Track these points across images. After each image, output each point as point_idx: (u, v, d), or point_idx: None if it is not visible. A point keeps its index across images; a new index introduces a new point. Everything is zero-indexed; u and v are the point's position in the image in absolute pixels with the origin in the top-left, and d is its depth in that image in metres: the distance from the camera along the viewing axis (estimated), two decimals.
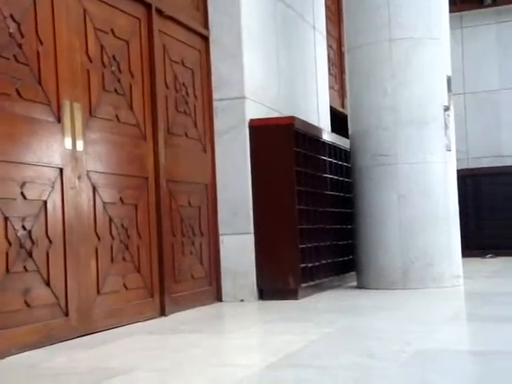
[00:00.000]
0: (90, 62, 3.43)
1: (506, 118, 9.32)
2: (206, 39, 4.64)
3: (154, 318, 3.81)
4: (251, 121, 4.59)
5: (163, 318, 3.83)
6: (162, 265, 3.91)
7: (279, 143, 4.57)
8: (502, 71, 9.36)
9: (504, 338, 2.73)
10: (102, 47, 3.53)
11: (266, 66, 4.98)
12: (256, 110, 4.69)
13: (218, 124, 4.62)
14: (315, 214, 4.95)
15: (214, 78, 4.63)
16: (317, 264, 4.87)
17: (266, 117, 4.74)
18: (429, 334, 2.91)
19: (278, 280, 4.51)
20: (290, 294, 4.47)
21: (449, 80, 5.09)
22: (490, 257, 8.31)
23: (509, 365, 2.19)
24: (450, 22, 5.36)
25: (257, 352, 2.84)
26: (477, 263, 7.46)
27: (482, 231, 8.91)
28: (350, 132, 5.34)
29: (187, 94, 4.39)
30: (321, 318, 3.62)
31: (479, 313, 3.65)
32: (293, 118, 4.67)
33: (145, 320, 3.69)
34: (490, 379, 2.06)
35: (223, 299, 4.55)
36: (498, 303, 3.94)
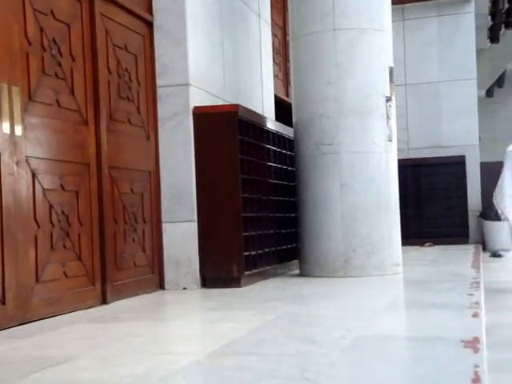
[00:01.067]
0: (29, 44, 3.34)
1: (445, 109, 9.52)
2: (149, 24, 4.57)
3: (96, 306, 3.76)
4: (195, 108, 4.56)
5: (104, 306, 3.78)
6: (104, 252, 3.86)
7: (223, 131, 4.56)
8: (442, 64, 9.56)
9: (441, 324, 2.80)
10: (41, 30, 3.44)
11: (211, 54, 4.95)
12: (200, 97, 4.66)
13: (161, 111, 4.57)
14: (259, 202, 4.97)
15: (157, 64, 4.58)
16: (260, 252, 4.89)
17: (211, 104, 4.71)
18: (369, 321, 2.96)
19: (221, 268, 4.50)
20: (233, 281, 4.48)
21: (391, 71, 5.17)
22: (429, 245, 8.51)
23: (445, 350, 2.24)
24: (393, 13, 5.43)
25: (199, 340, 2.83)
26: (416, 251, 7.63)
27: (422, 220, 9.11)
28: (293, 121, 5.37)
29: (130, 79, 4.33)
30: (264, 306, 3.64)
31: (417, 300, 3.73)
32: (237, 105, 4.66)
33: (86, 308, 3.64)
34: (427, 364, 2.11)
35: (166, 287, 4.53)
36: (436, 290, 4.04)
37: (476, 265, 5.69)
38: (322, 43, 5.07)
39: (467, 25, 9.59)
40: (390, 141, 5.13)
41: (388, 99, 5.09)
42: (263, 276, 4.94)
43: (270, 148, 5.33)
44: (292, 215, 5.53)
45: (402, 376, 1.94)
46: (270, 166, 5.34)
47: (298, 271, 5.35)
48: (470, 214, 9.31)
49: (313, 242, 5.10)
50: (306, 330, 2.81)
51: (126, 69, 4.28)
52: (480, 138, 9.92)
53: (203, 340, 2.82)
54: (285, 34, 7.57)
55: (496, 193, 6.29)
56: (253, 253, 4.72)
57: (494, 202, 6.57)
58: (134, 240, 4.26)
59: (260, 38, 6.12)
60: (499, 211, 7.05)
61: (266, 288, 4.54)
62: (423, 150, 9.43)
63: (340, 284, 4.57)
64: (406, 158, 9.13)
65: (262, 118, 5.28)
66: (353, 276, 4.88)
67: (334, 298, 3.89)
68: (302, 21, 5.20)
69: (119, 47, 4.22)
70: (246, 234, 4.60)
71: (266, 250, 5.05)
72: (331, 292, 4.20)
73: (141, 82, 4.46)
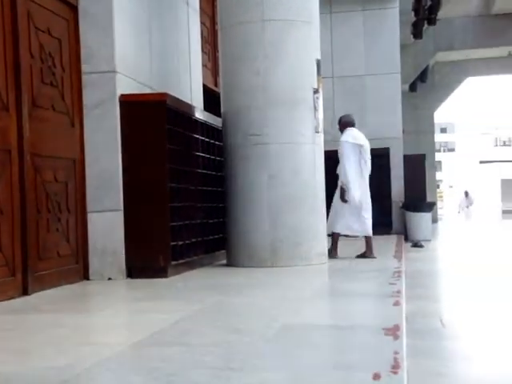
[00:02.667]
0: None
1: (370, 102, 9.71)
2: (74, 8, 4.45)
3: (16, 297, 3.65)
4: (122, 96, 4.48)
5: (26, 298, 3.68)
6: (26, 242, 3.75)
7: (151, 120, 4.50)
8: (367, 58, 9.74)
9: (363, 313, 2.86)
10: None
11: (138, 41, 4.87)
12: (127, 85, 4.58)
13: (87, 98, 4.47)
14: (187, 192, 4.93)
15: (83, 50, 4.46)
16: (187, 242, 4.86)
17: (138, 93, 4.64)
18: (295, 310, 2.99)
19: (147, 258, 4.46)
20: (159, 272, 4.44)
21: (318, 63, 5.22)
22: (354, 236, 8.65)
23: (367, 337, 2.30)
24: (320, 6, 5.47)
25: (123, 330, 2.80)
26: (341, 242, 7.75)
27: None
28: (222, 111, 5.36)
29: (54, 65, 4.21)
30: (190, 296, 3.63)
31: (342, 289, 3.80)
32: (165, 94, 4.60)
33: (6, 300, 3.53)
34: (349, 351, 2.15)
35: (90, 277, 4.44)
36: (360, 280, 4.13)
37: (398, 255, 5.84)
38: (250, 34, 5.07)
39: (392, 20, 9.80)
40: (317, 132, 5.19)
41: (315, 91, 5.15)
42: (190, 266, 4.92)
43: (198, 138, 5.30)
44: (220, 205, 5.52)
45: (325, 363, 1.98)
46: (198, 156, 5.31)
47: (225, 261, 5.36)
48: (393, 204, 9.55)
49: (240, 233, 5.11)
50: (232, 320, 2.82)
51: (50, 54, 4.16)
52: (404, 131, 10.18)
53: (128, 330, 2.78)
54: (214, 22, 7.52)
55: None
56: (180, 243, 4.70)
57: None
58: (57, 229, 4.16)
59: (188, 26, 6.06)
60: None
61: (193, 278, 4.53)
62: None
63: (267, 274, 4.60)
64: (333, 149, 9.24)
65: (190, 108, 5.24)
66: (280, 266, 4.92)
67: (261, 288, 3.91)
68: (230, 10, 5.18)
69: (42, 31, 4.09)
70: (173, 223, 4.56)
71: (194, 240, 5.03)
72: (258, 282, 4.23)
73: (65, 68, 4.34)
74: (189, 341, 2.33)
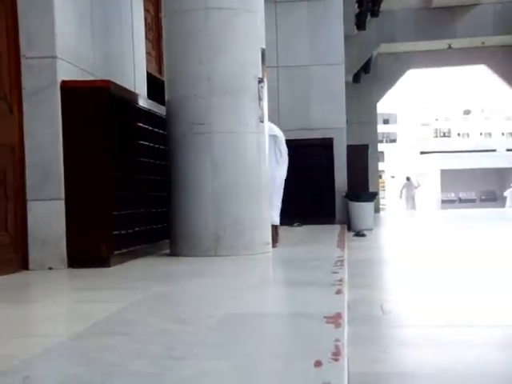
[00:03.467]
0: None
1: (315, 92, 9.78)
2: None
3: None
4: (63, 82, 4.38)
5: None
6: None
7: (93, 107, 4.42)
8: (312, 48, 9.80)
9: (306, 301, 2.89)
10: None
11: (79, 25, 4.77)
12: (68, 71, 4.48)
13: (26, 83, 4.35)
14: (130, 181, 4.88)
15: (22, 33, 4.34)
16: (130, 231, 4.82)
17: (80, 79, 4.55)
18: (238, 299, 3.00)
19: (89, 247, 4.39)
20: (101, 261, 4.38)
21: (263, 52, 5.22)
22: (297, 225, 8.75)
23: (309, 326, 2.32)
24: None
25: (64, 321, 2.75)
26: (285, 231, 7.81)
27: (290, 200, 9.31)
28: (166, 99, 5.30)
29: None
30: (133, 286, 3.59)
31: (285, 278, 3.83)
32: (108, 81, 4.53)
33: None
34: (292, 340, 2.17)
35: (30, 267, 4.35)
36: (303, 269, 4.16)
37: (341, 244, 5.92)
38: (194, 22, 5.03)
39: (336, 11, 9.88)
40: (262, 122, 5.20)
41: (260, 80, 5.15)
42: (133, 255, 4.87)
43: (141, 126, 5.24)
44: (164, 194, 5.48)
45: (267, 352, 1.99)
46: (142, 144, 5.25)
47: (168, 251, 5.33)
48: (336, 194, 9.67)
49: (184, 222, 5.09)
50: (175, 309, 2.80)
51: None
52: (347, 122, 10.29)
53: (68, 321, 2.74)
54: (158, 9, 7.43)
55: None
56: (122, 232, 4.64)
57: None
58: None
59: (132, 13, 5.97)
60: None
61: (136, 268, 4.49)
62: (293, 132, 9.63)
63: (210, 263, 4.60)
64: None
65: (134, 95, 5.17)
66: (223, 255, 4.92)
67: (204, 277, 3.91)
68: None
69: None
70: (115, 212, 4.50)
71: (137, 229, 4.98)
72: (201, 271, 4.22)
73: (2, 52, 4.22)
74: (130, 331, 2.31)
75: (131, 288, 3.49)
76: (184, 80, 5.08)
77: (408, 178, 21.25)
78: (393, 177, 46.08)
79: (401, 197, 21.37)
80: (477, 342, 2.61)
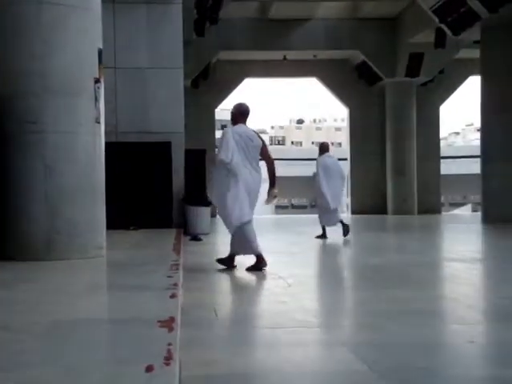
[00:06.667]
0: None
1: (153, 96, 9.72)
2: None
3: None
4: None
5: None
6: None
7: None
8: (151, 50, 9.73)
9: (140, 306, 2.86)
10: None
11: None
12: None
13: None
14: None
15: None
16: None
17: None
18: (68, 305, 2.90)
19: None
20: None
21: (100, 52, 5.11)
22: (133, 229, 8.63)
23: (142, 331, 2.30)
24: None
25: None
26: (120, 235, 7.68)
27: (127, 204, 9.17)
28: None
29: None
30: None
31: (119, 282, 3.76)
32: None
33: None
34: (124, 345, 2.14)
35: None
36: (137, 273, 4.12)
37: (177, 248, 5.92)
38: (26, 16, 4.81)
39: (175, 15, 9.89)
40: (98, 123, 5.08)
41: (97, 81, 5.03)
42: None
43: None
44: None
45: (98, 358, 1.94)
46: None
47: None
48: (174, 198, 9.66)
49: (14, 224, 4.84)
50: (1, 317, 2.65)
51: None
52: (186, 126, 10.33)
53: None
54: None
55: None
56: None
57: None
58: None
59: None
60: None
61: None
62: (131, 135, 9.51)
63: (42, 267, 4.41)
64: (114, 141, 9.12)
65: None
66: (56, 259, 4.73)
67: (35, 282, 3.74)
68: None
69: None
70: None
71: None
72: (32, 276, 4.04)
73: None
74: None
75: None
76: (16, 76, 4.84)
77: None
78: None
79: None
80: (304, 342, 2.72)
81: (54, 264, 4.57)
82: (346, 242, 8.00)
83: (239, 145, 5.05)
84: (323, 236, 8.34)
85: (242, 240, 5.06)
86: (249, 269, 5.06)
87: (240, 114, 5.24)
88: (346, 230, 8.29)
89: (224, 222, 5.18)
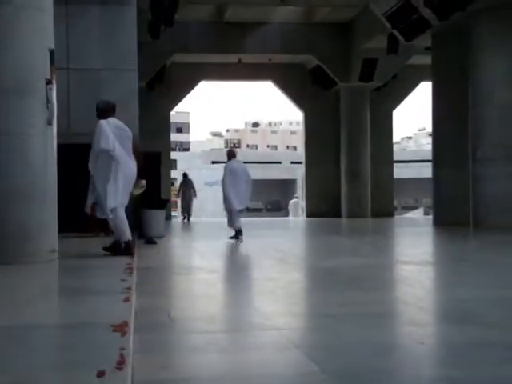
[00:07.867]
0: None
1: (106, 97, 9.57)
2: None
3: None
4: None
5: None
6: None
7: None
8: (104, 52, 9.63)
9: (92, 310, 2.83)
10: None
11: None
12: None
13: None
14: None
15: None
16: None
17: None
18: (18, 310, 2.85)
19: None
20: None
21: (52, 53, 5.03)
22: (103, 235, 8.48)
23: (95, 335, 2.27)
24: None
25: None
26: (73, 239, 7.57)
27: (82, 207, 9.01)
28: None
29: None
30: None
31: (71, 286, 3.71)
32: None
33: None
34: (75, 350, 2.11)
35: None
36: (91, 277, 4.08)
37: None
38: None
39: (129, 17, 9.81)
40: (50, 124, 5.00)
41: (48, 82, 4.96)
42: None
43: None
44: None
45: (48, 364, 1.91)
46: None
47: None
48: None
49: None
50: None
51: None
52: (141, 129, 10.23)
53: None
54: None
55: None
56: None
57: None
58: None
59: None
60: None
61: None
62: (85, 136, 9.37)
63: None
64: (67, 142, 8.97)
65: None
66: (6, 263, 4.64)
67: None
68: None
69: None
70: None
71: None
72: None
73: None
74: None
75: None
76: None
77: (185, 175, 18.72)
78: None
79: (179, 195, 19.45)
80: (258, 346, 2.73)
81: (5, 268, 4.48)
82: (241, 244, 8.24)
83: (116, 135, 5.57)
84: (236, 237, 8.79)
85: (118, 226, 5.57)
86: (107, 249, 5.50)
87: (110, 108, 5.86)
88: (236, 235, 8.80)
89: (100, 207, 5.64)
